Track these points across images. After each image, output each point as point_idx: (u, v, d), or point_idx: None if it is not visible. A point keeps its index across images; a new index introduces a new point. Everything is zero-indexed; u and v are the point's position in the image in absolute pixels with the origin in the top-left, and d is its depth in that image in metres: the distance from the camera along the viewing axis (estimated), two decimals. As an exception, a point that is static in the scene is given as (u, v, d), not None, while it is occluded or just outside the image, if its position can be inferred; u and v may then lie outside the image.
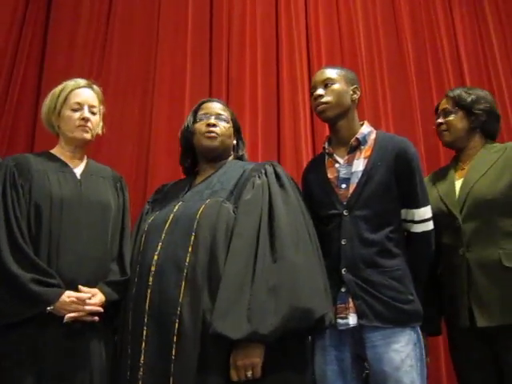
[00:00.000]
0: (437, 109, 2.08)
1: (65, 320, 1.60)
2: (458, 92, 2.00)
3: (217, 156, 1.84)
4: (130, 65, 3.14)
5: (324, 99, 1.81)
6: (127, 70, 3.12)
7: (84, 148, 1.92)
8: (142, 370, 1.51)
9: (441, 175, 2.01)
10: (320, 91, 1.83)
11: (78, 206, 1.75)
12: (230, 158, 1.90)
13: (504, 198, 1.80)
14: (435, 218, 1.82)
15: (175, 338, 1.49)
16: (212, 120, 1.82)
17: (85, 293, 1.64)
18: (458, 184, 1.91)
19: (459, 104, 1.96)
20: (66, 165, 1.85)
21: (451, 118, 1.97)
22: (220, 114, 1.85)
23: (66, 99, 1.86)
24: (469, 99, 1.95)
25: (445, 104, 2.02)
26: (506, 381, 1.73)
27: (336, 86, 1.83)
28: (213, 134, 1.81)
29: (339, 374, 1.70)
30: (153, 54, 3.14)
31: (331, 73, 1.86)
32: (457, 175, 1.95)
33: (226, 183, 1.73)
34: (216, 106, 1.89)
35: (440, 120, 2.01)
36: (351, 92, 1.85)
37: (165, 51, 3.13)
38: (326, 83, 1.83)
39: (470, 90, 2.03)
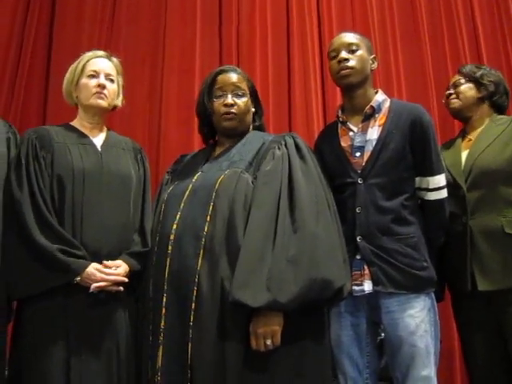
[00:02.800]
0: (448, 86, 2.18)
1: (91, 290, 1.63)
2: (468, 67, 2.12)
3: (236, 134, 1.82)
4: (138, 36, 3.12)
5: (350, 63, 1.77)
6: (136, 41, 3.11)
7: (103, 117, 1.92)
8: (162, 334, 1.55)
9: (448, 146, 2.08)
10: (345, 54, 1.78)
11: (100, 179, 1.76)
12: (250, 129, 1.87)
13: (508, 168, 1.87)
14: None
15: (193, 304, 1.52)
16: (229, 99, 1.77)
17: (109, 265, 1.68)
18: (464, 154, 1.98)
19: (469, 76, 2.07)
20: (86, 137, 1.85)
21: (461, 87, 2.07)
22: (237, 88, 1.80)
23: (83, 68, 1.86)
24: (479, 72, 2.07)
25: (455, 78, 2.13)
26: (509, 342, 1.79)
27: (360, 52, 1.80)
28: (231, 116, 1.77)
29: (354, 340, 1.74)
30: (162, 25, 3.12)
31: (355, 38, 1.83)
32: (463, 146, 2.03)
33: (245, 154, 1.72)
34: (232, 79, 1.81)
35: (450, 91, 2.11)
36: (371, 61, 1.83)
37: (174, 21, 3.10)
38: (351, 48, 1.79)
39: (481, 66, 2.18)
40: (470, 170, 1.91)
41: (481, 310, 1.85)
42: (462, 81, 2.07)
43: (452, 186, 1.87)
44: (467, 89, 2.05)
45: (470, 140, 2.02)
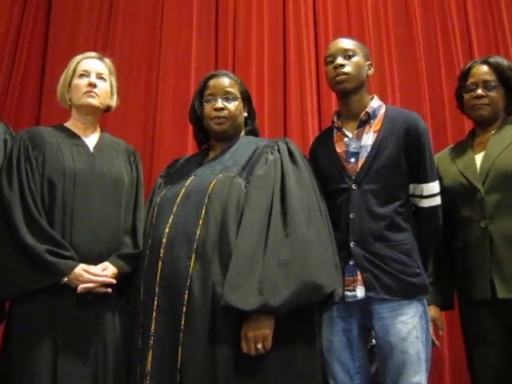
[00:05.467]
0: (466, 73, 1.97)
1: (78, 291, 1.63)
2: (504, 66, 1.91)
3: (227, 137, 1.83)
4: (134, 39, 3.13)
5: (346, 69, 1.77)
6: (132, 44, 3.12)
7: (96, 118, 1.91)
8: (152, 338, 1.55)
9: (458, 150, 1.97)
10: (341, 60, 1.78)
11: (91, 180, 1.75)
12: (242, 133, 1.88)
13: None
14: (454, 192, 1.84)
15: (184, 308, 1.52)
16: (219, 104, 1.78)
17: (97, 267, 1.67)
18: (479, 157, 1.88)
19: (503, 78, 1.89)
20: (79, 138, 1.85)
21: (494, 93, 1.89)
22: (227, 93, 1.80)
23: (74, 70, 1.87)
24: None
25: (487, 75, 1.90)
26: None
27: (356, 59, 1.80)
28: (221, 120, 1.78)
29: (346, 345, 1.73)
30: (158, 28, 3.13)
31: (352, 44, 1.83)
32: (476, 149, 1.92)
33: (238, 159, 1.73)
34: (223, 83, 1.82)
35: (481, 92, 1.89)
36: (367, 67, 1.84)
37: (170, 25, 3.11)
38: (348, 54, 1.80)
39: (510, 65, 1.93)
40: (487, 173, 1.80)
41: (495, 320, 1.74)
42: (494, 82, 1.88)
43: (467, 189, 1.82)
44: (499, 97, 1.89)
45: (482, 143, 1.90)
